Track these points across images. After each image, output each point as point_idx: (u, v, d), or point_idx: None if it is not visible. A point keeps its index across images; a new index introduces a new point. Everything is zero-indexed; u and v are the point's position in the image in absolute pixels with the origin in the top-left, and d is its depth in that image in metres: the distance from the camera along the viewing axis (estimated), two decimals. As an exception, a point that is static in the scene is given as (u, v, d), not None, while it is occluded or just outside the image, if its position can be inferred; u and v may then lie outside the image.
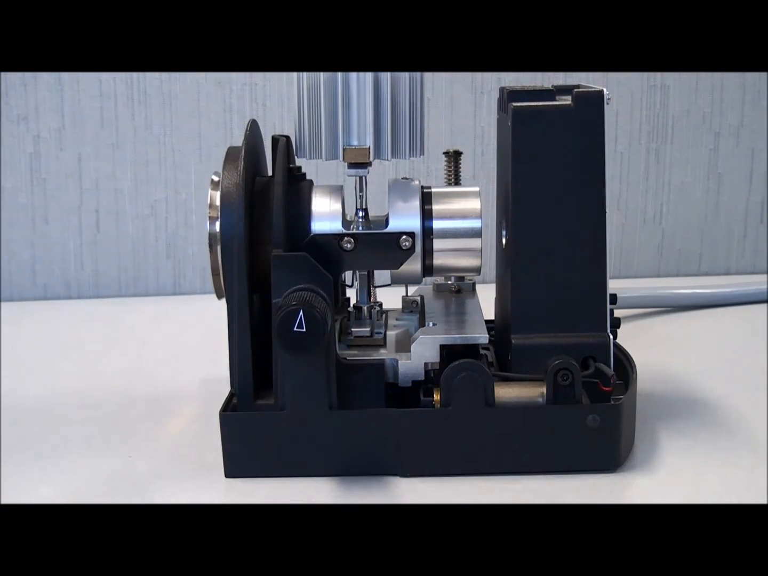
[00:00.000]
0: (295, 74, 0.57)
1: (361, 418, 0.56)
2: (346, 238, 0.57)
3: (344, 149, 0.57)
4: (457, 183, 0.65)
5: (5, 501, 0.54)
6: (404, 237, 0.57)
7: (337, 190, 0.60)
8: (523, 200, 0.58)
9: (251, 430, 0.56)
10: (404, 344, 0.60)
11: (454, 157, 0.65)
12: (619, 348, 0.64)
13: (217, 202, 0.57)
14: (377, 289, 0.63)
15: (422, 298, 0.65)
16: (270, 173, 0.61)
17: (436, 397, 0.56)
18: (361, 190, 0.59)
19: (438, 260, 0.59)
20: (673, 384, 0.70)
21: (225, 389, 0.60)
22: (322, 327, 0.53)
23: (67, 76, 0.93)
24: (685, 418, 0.64)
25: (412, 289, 0.66)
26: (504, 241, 0.62)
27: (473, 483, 0.56)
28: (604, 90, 0.58)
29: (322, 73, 0.56)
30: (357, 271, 0.61)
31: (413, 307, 0.65)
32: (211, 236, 0.57)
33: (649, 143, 0.97)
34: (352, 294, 0.64)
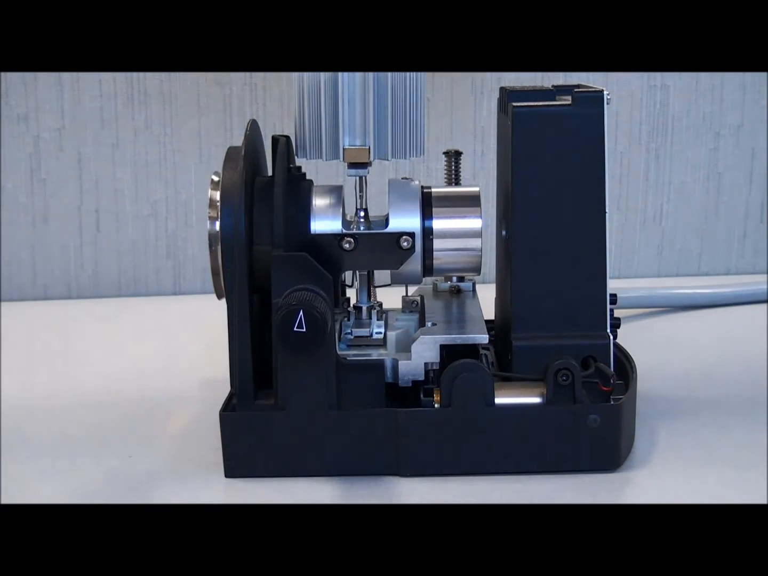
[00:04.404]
0: (295, 74, 0.57)
1: (361, 418, 0.56)
2: (346, 238, 0.57)
3: (344, 149, 0.57)
4: (457, 183, 0.65)
5: (5, 501, 0.54)
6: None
7: (337, 190, 0.60)
8: (523, 200, 0.58)
9: (251, 430, 0.56)
10: (404, 344, 0.60)
11: (454, 157, 0.65)
12: (619, 348, 0.64)
13: (217, 202, 0.57)
14: (377, 289, 0.63)
15: (422, 298, 0.65)
16: (270, 173, 0.61)
17: (436, 397, 0.56)
18: (361, 190, 0.59)
19: (438, 260, 0.59)
20: (673, 384, 0.70)
21: (225, 389, 0.60)
22: (323, 327, 0.53)
23: (67, 76, 0.93)
24: (685, 418, 0.64)
25: (412, 289, 0.66)
26: (504, 241, 0.62)
27: (473, 483, 0.56)
28: (604, 90, 0.58)
29: (322, 73, 0.56)
30: (357, 271, 0.61)
31: (413, 307, 0.65)
32: (211, 236, 0.57)
33: (649, 143, 0.97)
34: (352, 294, 0.64)
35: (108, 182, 0.95)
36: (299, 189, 0.59)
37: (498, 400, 0.56)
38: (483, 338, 0.58)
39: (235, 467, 0.57)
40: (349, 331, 0.61)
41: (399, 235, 0.57)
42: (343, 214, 0.59)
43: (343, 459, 0.56)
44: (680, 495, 0.54)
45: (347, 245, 0.57)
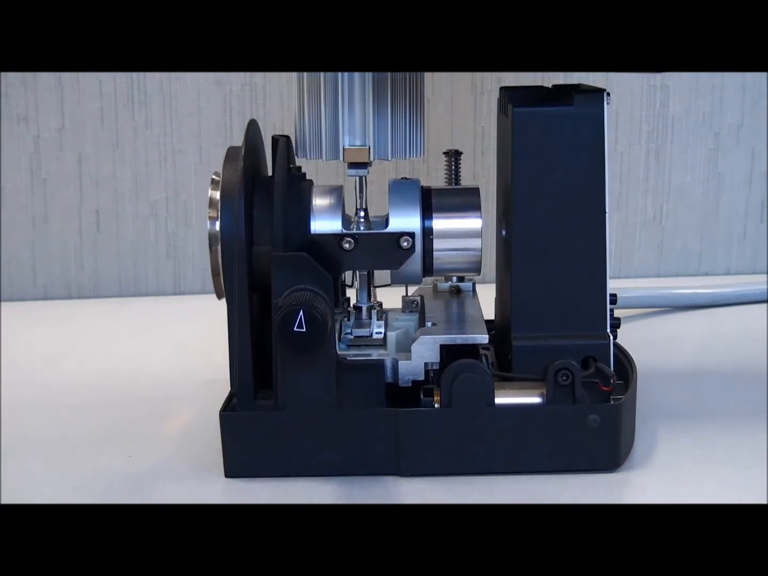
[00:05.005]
0: (295, 74, 0.57)
1: (361, 418, 0.56)
2: (346, 238, 0.57)
3: (344, 149, 0.57)
4: (457, 183, 0.65)
5: (5, 501, 0.54)
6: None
7: (337, 190, 0.60)
8: (523, 200, 0.58)
9: (251, 430, 0.56)
10: (404, 344, 0.60)
11: (454, 157, 0.65)
12: (619, 348, 0.64)
13: (217, 202, 0.57)
14: (377, 289, 0.63)
15: (422, 298, 0.65)
16: (270, 173, 0.61)
17: (436, 397, 0.56)
18: (361, 190, 0.59)
19: (438, 260, 0.59)
20: (673, 384, 0.70)
21: (225, 389, 0.60)
22: (323, 327, 0.53)
23: (67, 76, 0.93)
24: (685, 418, 0.64)
25: (412, 289, 0.66)
26: (504, 241, 0.62)
27: (473, 483, 0.56)
28: (605, 90, 0.58)
29: (322, 73, 0.56)
30: (357, 271, 0.61)
31: (413, 307, 0.65)
32: (211, 236, 0.57)
33: (649, 143, 0.97)
34: (352, 294, 0.64)
35: (108, 182, 0.95)
36: (299, 189, 0.59)
37: (498, 400, 0.56)
38: (483, 338, 0.58)
39: (235, 467, 0.57)
40: (349, 331, 0.61)
41: (399, 235, 0.57)
42: (343, 214, 0.59)
43: (343, 459, 0.56)
44: (680, 495, 0.54)
45: (347, 245, 0.57)
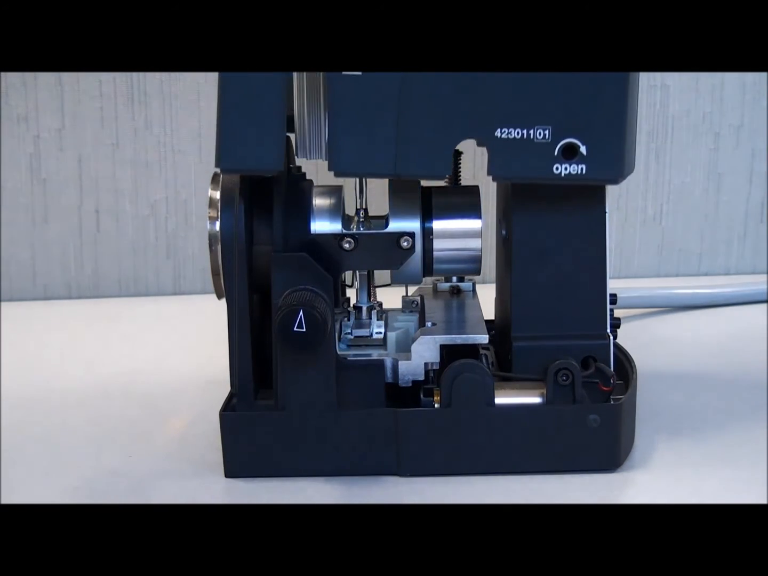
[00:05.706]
0: (294, 74, 0.57)
1: (361, 418, 0.56)
2: (346, 238, 0.57)
3: (344, 149, 0.57)
4: (457, 183, 0.65)
5: (5, 501, 0.54)
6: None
7: (337, 190, 0.60)
8: (523, 200, 0.58)
9: (251, 430, 0.56)
10: (404, 344, 0.60)
11: (454, 157, 0.65)
12: (619, 348, 0.64)
13: (217, 202, 0.57)
14: (377, 289, 0.63)
15: (422, 298, 0.65)
16: (270, 173, 0.61)
17: (436, 397, 0.56)
18: (361, 190, 0.59)
19: (438, 260, 0.59)
20: (673, 384, 0.70)
21: (225, 389, 0.60)
22: (323, 327, 0.53)
23: (67, 76, 0.93)
24: (685, 418, 0.64)
25: (412, 289, 0.66)
26: (504, 241, 0.62)
27: (473, 483, 0.56)
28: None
29: (322, 73, 0.56)
30: (357, 271, 0.61)
31: (413, 307, 0.65)
32: (211, 236, 0.57)
33: (649, 143, 0.97)
34: (352, 294, 0.64)
35: (108, 182, 0.95)
36: (299, 189, 0.59)
37: (498, 400, 0.56)
38: (483, 338, 0.58)
39: (235, 467, 0.57)
40: (349, 331, 0.61)
41: (399, 235, 0.57)
42: (343, 214, 0.59)
43: (343, 459, 0.56)
44: (680, 495, 0.54)
45: (347, 245, 0.57)
